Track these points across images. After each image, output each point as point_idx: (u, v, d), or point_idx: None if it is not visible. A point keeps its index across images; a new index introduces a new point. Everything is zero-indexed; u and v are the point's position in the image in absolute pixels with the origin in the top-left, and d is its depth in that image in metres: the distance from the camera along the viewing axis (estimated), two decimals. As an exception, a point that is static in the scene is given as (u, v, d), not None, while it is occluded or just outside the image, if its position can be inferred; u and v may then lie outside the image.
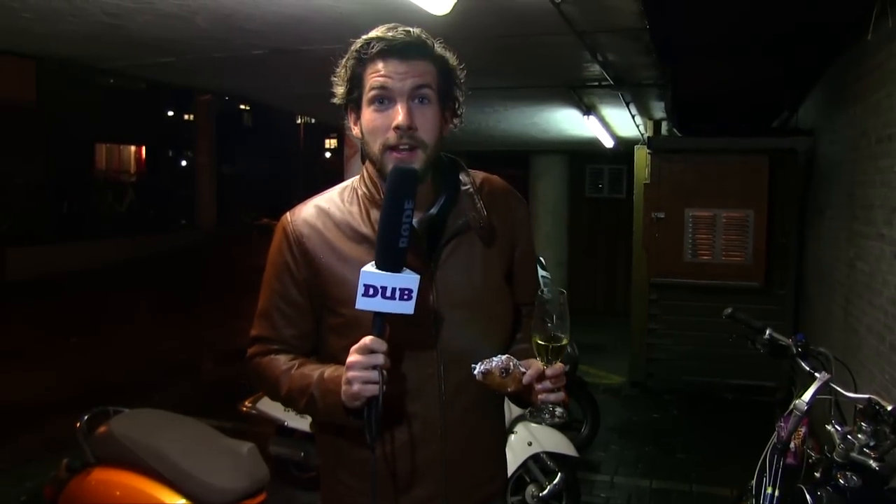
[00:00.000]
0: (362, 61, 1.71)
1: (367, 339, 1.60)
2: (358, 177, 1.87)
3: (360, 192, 1.83)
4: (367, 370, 1.59)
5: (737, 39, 4.92)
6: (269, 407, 4.85)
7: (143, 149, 32.73)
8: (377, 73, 1.69)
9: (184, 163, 34.77)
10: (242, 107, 36.81)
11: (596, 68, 5.48)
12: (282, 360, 1.83)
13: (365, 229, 1.77)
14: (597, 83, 6.16)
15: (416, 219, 1.72)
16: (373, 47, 1.69)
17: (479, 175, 1.94)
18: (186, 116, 32.70)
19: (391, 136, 1.68)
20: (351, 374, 1.60)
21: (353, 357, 1.61)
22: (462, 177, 1.88)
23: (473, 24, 4.03)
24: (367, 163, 1.81)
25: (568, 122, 8.41)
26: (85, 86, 22.99)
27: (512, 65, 5.45)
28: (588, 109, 7.29)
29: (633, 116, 7.99)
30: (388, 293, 1.58)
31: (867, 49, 4.55)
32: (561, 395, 1.71)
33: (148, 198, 28.76)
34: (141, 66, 5.78)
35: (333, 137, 40.28)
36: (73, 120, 23.51)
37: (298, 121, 38.50)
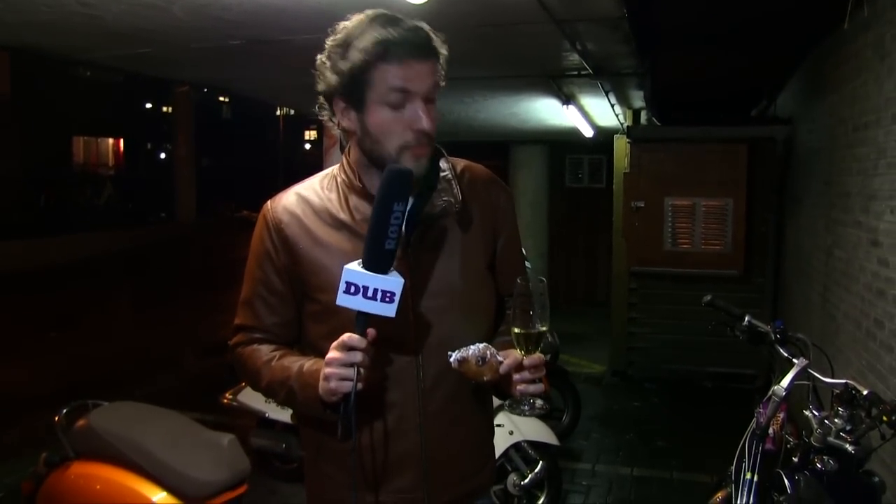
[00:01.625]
0: (374, 57, 1.64)
1: (346, 337, 1.59)
2: (338, 164, 1.86)
3: (339, 180, 1.82)
4: (344, 367, 1.58)
5: (714, 27, 4.92)
6: (250, 399, 4.84)
7: (122, 141, 32.51)
8: (395, 75, 1.64)
9: (162, 155, 34.57)
10: (221, 98, 36.58)
11: (575, 57, 5.49)
12: (263, 351, 1.82)
13: (343, 216, 1.76)
14: (576, 72, 6.16)
15: None
16: (390, 45, 1.63)
17: (461, 163, 1.92)
18: (164, 108, 32.46)
19: (410, 138, 1.67)
20: (328, 370, 1.60)
21: (331, 353, 1.60)
22: (442, 163, 1.85)
23: (451, 12, 4.02)
24: (348, 151, 1.80)
25: (547, 111, 8.42)
26: (61, 78, 22.78)
27: (491, 54, 5.44)
28: (567, 99, 7.29)
29: (612, 106, 8.01)
30: (370, 293, 1.57)
31: (844, 38, 4.58)
32: (540, 387, 1.68)
33: (127, 191, 28.62)
34: (117, 57, 5.73)
35: (313, 129, 40.10)
36: (49, 112, 23.31)
37: (278, 112, 38.31)
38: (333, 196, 1.80)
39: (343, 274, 1.57)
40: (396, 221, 1.56)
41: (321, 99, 1.79)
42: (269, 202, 1.85)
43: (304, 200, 1.81)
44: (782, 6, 4.44)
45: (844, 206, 4.64)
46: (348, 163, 1.81)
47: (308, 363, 1.72)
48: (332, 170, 1.87)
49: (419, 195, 1.78)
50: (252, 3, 4.03)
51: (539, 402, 1.70)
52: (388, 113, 1.67)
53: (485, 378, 1.67)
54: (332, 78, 1.71)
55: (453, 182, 1.82)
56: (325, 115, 1.80)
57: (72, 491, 3.11)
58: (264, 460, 4.96)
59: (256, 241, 1.85)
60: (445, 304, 1.77)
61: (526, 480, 4.30)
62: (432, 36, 1.70)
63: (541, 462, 4.34)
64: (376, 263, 1.57)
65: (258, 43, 4.97)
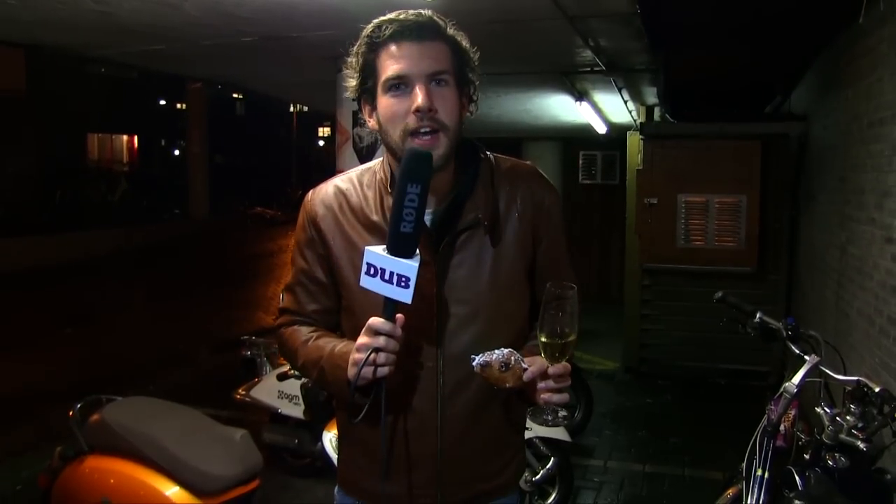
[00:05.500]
0: (374, 47, 1.67)
1: (371, 320, 1.59)
2: (380, 160, 1.85)
3: (378, 178, 1.81)
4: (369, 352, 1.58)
5: (728, 22, 4.90)
6: (263, 394, 4.86)
7: (136, 138, 32.67)
8: (392, 58, 1.65)
9: (176, 152, 34.72)
10: (235, 95, 36.75)
11: (588, 54, 5.48)
12: (303, 332, 1.87)
13: (376, 217, 1.76)
14: (589, 69, 6.16)
15: (432, 208, 1.72)
16: (385, 30, 1.65)
17: (507, 162, 1.89)
18: (178, 105, 32.60)
19: (411, 121, 1.63)
20: (356, 355, 1.60)
21: (361, 339, 1.60)
22: (482, 165, 1.83)
23: (463, 10, 3.99)
24: (388, 149, 1.77)
25: (561, 108, 8.41)
26: (75, 75, 22.89)
27: (504, 51, 5.44)
28: (580, 95, 7.29)
29: (625, 102, 8.00)
30: (387, 277, 1.56)
31: (859, 33, 4.55)
32: (565, 397, 1.64)
33: (141, 188, 28.70)
34: (131, 54, 5.77)
35: (327, 125, 40.21)
36: (64, 109, 23.44)
37: (291, 109, 38.43)
38: (371, 194, 1.79)
39: (364, 255, 1.57)
40: (411, 204, 1.52)
41: (356, 106, 1.81)
42: (310, 192, 1.88)
43: (341, 194, 1.83)
44: (796, 1, 4.41)
45: (858, 202, 4.61)
46: (388, 161, 1.80)
47: (340, 345, 1.74)
48: (376, 164, 1.86)
49: (452, 203, 1.76)
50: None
51: (562, 413, 1.65)
52: (390, 99, 1.66)
53: (507, 385, 1.62)
54: (351, 79, 1.74)
55: (490, 189, 1.79)
56: (362, 120, 1.81)
57: (86, 484, 3.14)
58: (277, 455, 4.97)
59: (299, 230, 1.89)
60: (471, 312, 1.75)
61: (538, 476, 4.30)
62: (436, 20, 1.69)
63: (552, 458, 4.35)
64: (394, 247, 1.55)
65: (270, 39, 4.99)
